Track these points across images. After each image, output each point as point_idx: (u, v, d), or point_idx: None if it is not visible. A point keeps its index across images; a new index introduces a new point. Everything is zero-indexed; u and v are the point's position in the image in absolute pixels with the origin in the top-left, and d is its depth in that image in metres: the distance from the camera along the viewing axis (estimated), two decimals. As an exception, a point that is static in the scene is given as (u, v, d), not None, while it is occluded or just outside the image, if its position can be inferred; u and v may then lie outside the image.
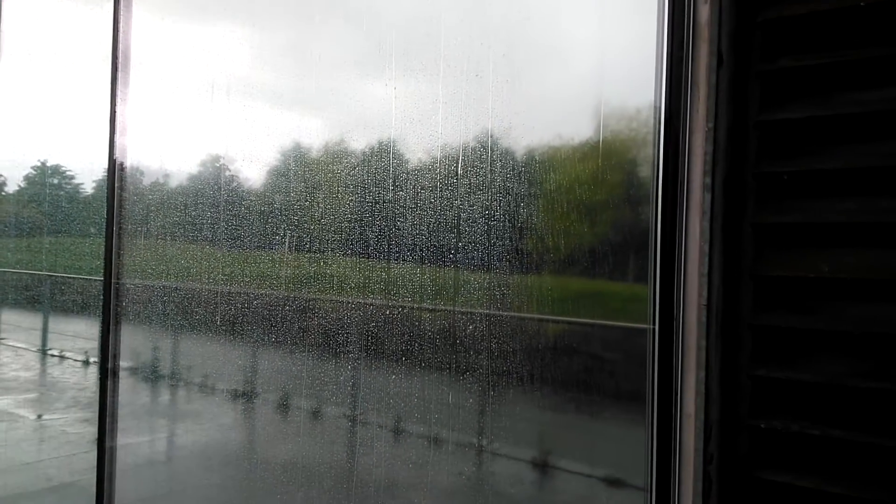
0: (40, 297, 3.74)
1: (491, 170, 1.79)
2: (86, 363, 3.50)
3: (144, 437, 2.65)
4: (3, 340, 3.74)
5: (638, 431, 1.56)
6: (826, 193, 1.21)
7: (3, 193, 4.24)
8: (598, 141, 1.62)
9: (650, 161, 1.52)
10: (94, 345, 3.37)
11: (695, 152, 1.35)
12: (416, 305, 1.93)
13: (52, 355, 3.74)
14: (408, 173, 1.94)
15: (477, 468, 1.88)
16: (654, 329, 1.45)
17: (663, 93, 1.39)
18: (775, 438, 1.25)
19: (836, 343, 1.20)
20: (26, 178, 4.06)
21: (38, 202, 3.92)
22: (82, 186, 3.68)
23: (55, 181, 3.93)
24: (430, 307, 1.90)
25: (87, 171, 3.41)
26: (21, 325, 3.85)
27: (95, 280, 2.89)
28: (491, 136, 1.80)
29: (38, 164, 4.01)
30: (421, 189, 1.91)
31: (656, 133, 1.42)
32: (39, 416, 3.68)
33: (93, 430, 2.74)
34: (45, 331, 3.76)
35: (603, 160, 1.64)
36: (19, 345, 3.75)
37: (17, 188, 4.15)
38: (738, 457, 1.28)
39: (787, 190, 1.25)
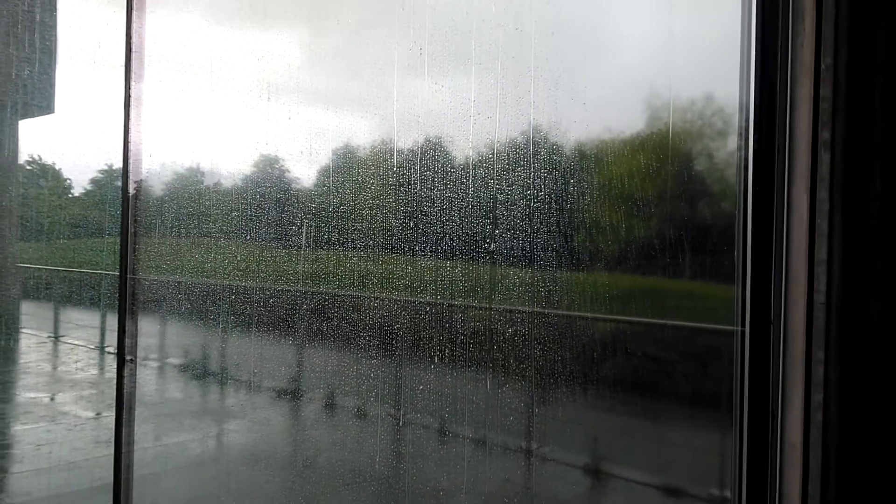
0: (100, 296, 3.60)
1: (536, 161, 1.45)
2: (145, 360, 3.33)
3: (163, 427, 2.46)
4: (62, 339, 3.61)
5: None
6: None
7: (70, 196, 4.15)
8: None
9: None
10: (153, 342, 3.20)
11: (799, 101, 0.97)
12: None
13: (110, 353, 3.59)
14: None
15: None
16: (742, 331, 1.07)
17: (753, 25, 1.01)
18: (924, 487, 0.86)
19: None
20: (92, 181, 3.95)
21: (103, 204, 3.80)
22: (152, 189, 3.53)
23: (119, 183, 3.79)
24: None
25: (154, 174, 3.25)
26: (82, 324, 3.72)
27: (159, 280, 2.71)
28: (535, 130, 1.45)
29: (106, 167, 3.88)
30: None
31: (744, 78, 1.04)
32: (98, 414, 3.52)
33: (148, 429, 2.54)
34: (103, 329, 3.61)
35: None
36: (79, 343, 3.62)
37: (83, 191, 4.05)
38: (868, 510, 0.89)
39: (940, 143, 0.86)
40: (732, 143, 1.17)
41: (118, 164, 3.74)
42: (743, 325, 1.07)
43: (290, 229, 2.02)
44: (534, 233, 1.46)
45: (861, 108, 0.92)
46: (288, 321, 2.04)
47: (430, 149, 1.65)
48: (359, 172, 1.82)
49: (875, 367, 0.88)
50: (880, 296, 0.90)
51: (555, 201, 1.44)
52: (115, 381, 3.15)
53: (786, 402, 0.98)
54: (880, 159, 0.92)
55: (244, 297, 2.18)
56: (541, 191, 1.45)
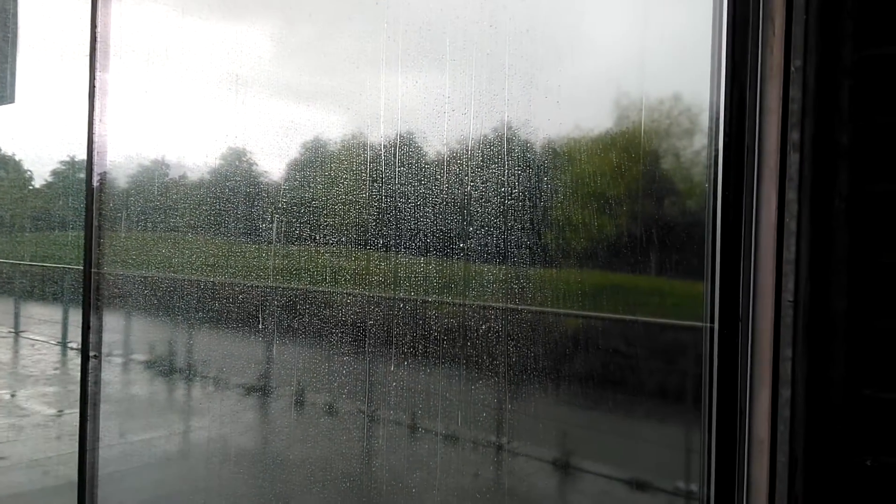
0: (63, 291, 3.50)
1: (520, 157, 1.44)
2: (109, 356, 3.25)
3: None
4: (22, 334, 3.51)
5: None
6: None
7: (31, 188, 4.03)
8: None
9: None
10: (118, 337, 3.12)
11: (768, 103, 0.98)
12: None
13: (72, 348, 3.49)
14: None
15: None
16: (711, 327, 1.08)
17: (724, 27, 1.02)
18: (887, 479, 0.88)
19: (980, 354, 0.82)
20: (54, 172, 3.83)
21: (66, 197, 3.69)
22: (116, 182, 3.45)
23: (82, 175, 3.69)
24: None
25: (119, 167, 3.17)
26: (43, 319, 3.61)
27: (124, 274, 2.64)
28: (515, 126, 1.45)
29: (68, 158, 3.77)
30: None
31: (715, 79, 1.05)
32: (60, 412, 3.43)
33: (112, 425, 2.48)
34: (65, 324, 3.51)
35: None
36: (39, 338, 3.51)
37: (44, 182, 3.93)
38: (833, 503, 0.90)
39: (904, 146, 0.88)
40: (699, 141, 1.18)
41: (81, 156, 3.63)
42: (712, 321, 1.08)
43: (260, 224, 1.99)
44: (507, 229, 1.46)
45: (829, 110, 0.94)
46: (257, 317, 2.01)
47: (404, 144, 1.63)
48: (331, 167, 1.80)
49: (841, 365, 0.90)
50: (846, 295, 0.92)
51: (528, 198, 1.43)
52: (78, 378, 3.07)
53: (753, 398, 1.00)
54: (847, 161, 0.94)
55: (212, 293, 2.14)
56: (514, 188, 1.45)
